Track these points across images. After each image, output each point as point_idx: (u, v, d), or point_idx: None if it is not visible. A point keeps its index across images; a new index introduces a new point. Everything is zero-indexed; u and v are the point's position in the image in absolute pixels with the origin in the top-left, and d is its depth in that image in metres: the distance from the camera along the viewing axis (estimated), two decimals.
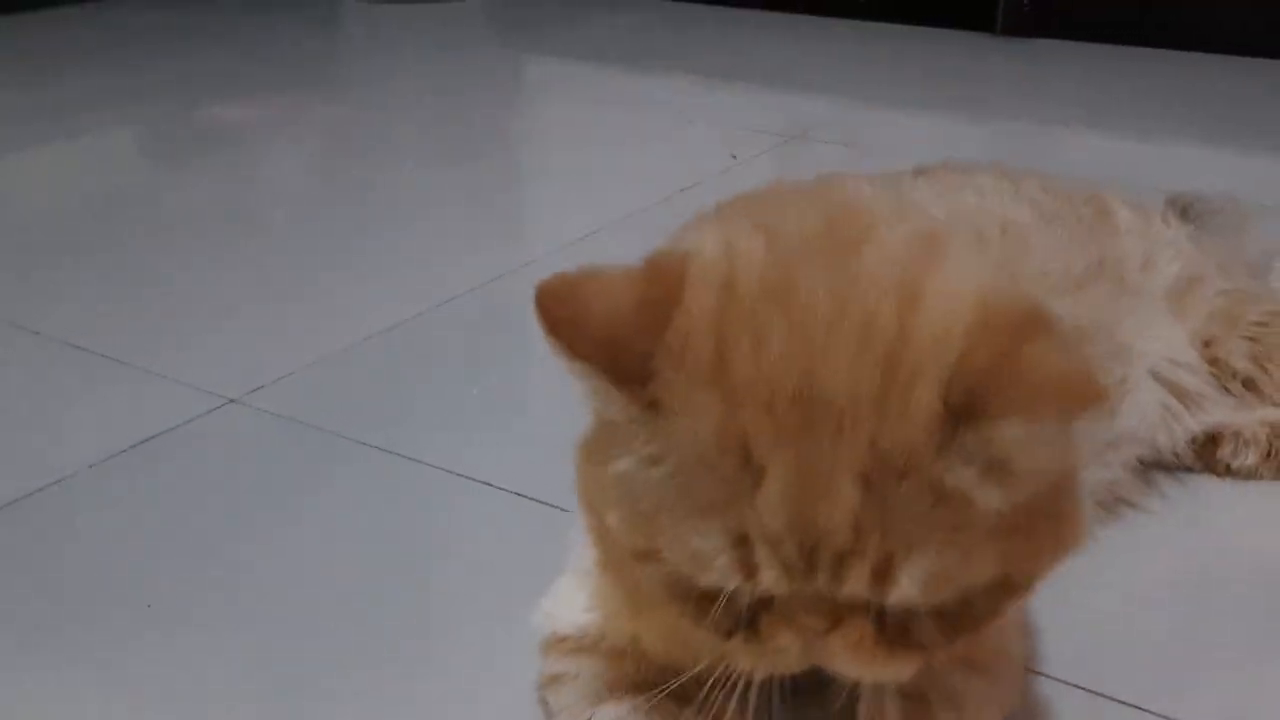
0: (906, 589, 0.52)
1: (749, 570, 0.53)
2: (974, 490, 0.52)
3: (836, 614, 0.55)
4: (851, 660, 0.56)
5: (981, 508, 0.52)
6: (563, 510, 0.96)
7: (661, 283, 0.57)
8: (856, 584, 0.52)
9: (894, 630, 0.56)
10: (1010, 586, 0.56)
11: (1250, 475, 1.06)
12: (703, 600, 0.56)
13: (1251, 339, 1.08)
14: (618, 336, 0.55)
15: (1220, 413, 1.05)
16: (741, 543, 0.53)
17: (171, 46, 2.77)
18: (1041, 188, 1.09)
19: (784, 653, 0.57)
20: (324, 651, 0.86)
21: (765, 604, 0.56)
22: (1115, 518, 1.00)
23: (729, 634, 0.58)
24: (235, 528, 1.00)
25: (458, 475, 1.06)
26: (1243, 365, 1.07)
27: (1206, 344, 1.07)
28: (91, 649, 0.86)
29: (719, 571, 0.54)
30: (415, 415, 1.18)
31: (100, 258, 1.59)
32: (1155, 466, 1.05)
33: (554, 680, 0.76)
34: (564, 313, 0.56)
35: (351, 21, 3.16)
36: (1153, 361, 1.02)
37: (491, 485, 1.05)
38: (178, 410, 1.17)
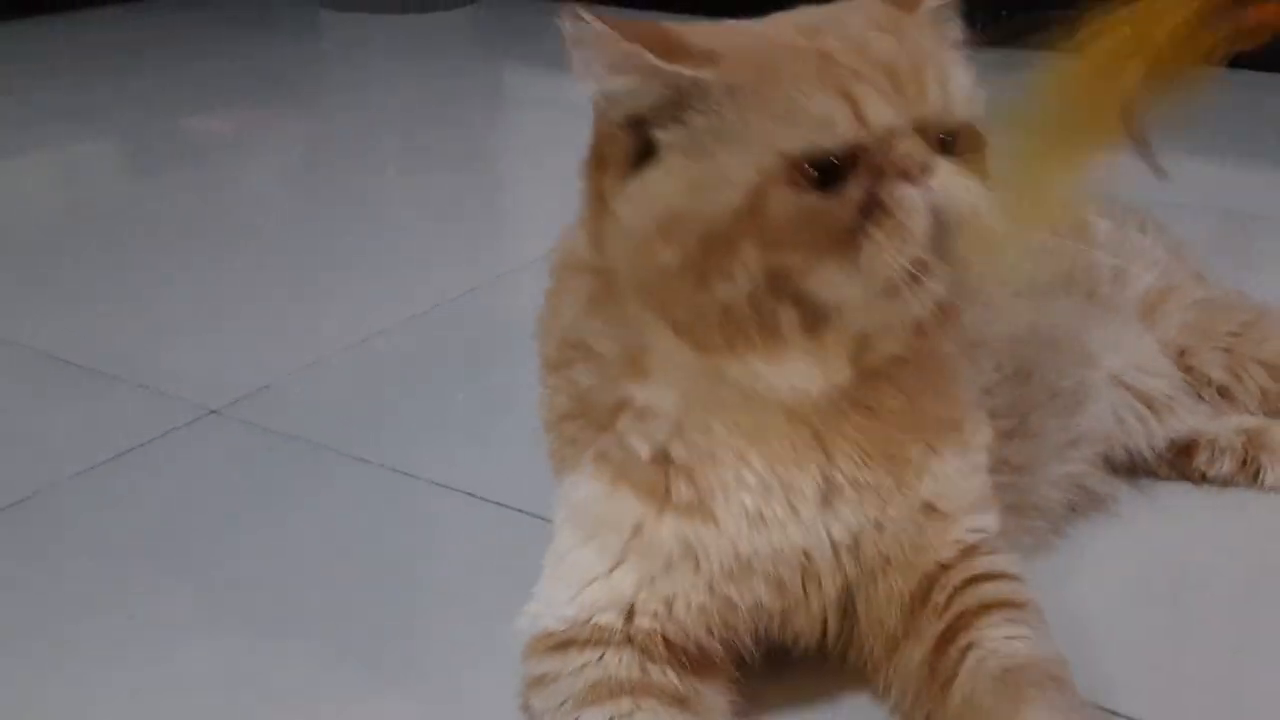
0: (959, 94, 0.68)
1: (857, 116, 0.64)
2: (944, 35, 0.71)
3: (925, 153, 0.65)
4: (960, 180, 0.66)
5: (950, 40, 0.71)
6: (546, 520, 0.97)
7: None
8: (934, 92, 0.66)
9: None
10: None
11: (1226, 483, 1.07)
12: (825, 192, 0.65)
13: (1226, 349, 1.09)
14: (656, 35, 0.66)
15: (1194, 420, 1.06)
16: (846, 96, 0.64)
17: (152, 57, 2.77)
18: None
19: (910, 204, 0.64)
20: (307, 662, 0.86)
21: (877, 171, 0.65)
22: (1084, 516, 1.01)
23: (862, 213, 0.65)
24: (218, 538, 1.00)
25: (440, 485, 1.07)
26: (1218, 374, 1.08)
27: (1181, 353, 1.08)
28: (74, 658, 0.86)
29: (836, 124, 0.64)
30: (398, 425, 1.18)
31: (81, 268, 1.59)
32: (1127, 473, 1.06)
33: (538, 682, 0.76)
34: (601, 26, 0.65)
35: (333, 33, 3.15)
36: (1118, 370, 1.03)
37: (474, 495, 1.05)
38: (160, 421, 1.17)
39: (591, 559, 0.76)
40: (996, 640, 0.73)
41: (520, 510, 1.02)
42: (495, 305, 1.46)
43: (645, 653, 0.75)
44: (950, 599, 0.76)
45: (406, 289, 1.51)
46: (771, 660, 0.80)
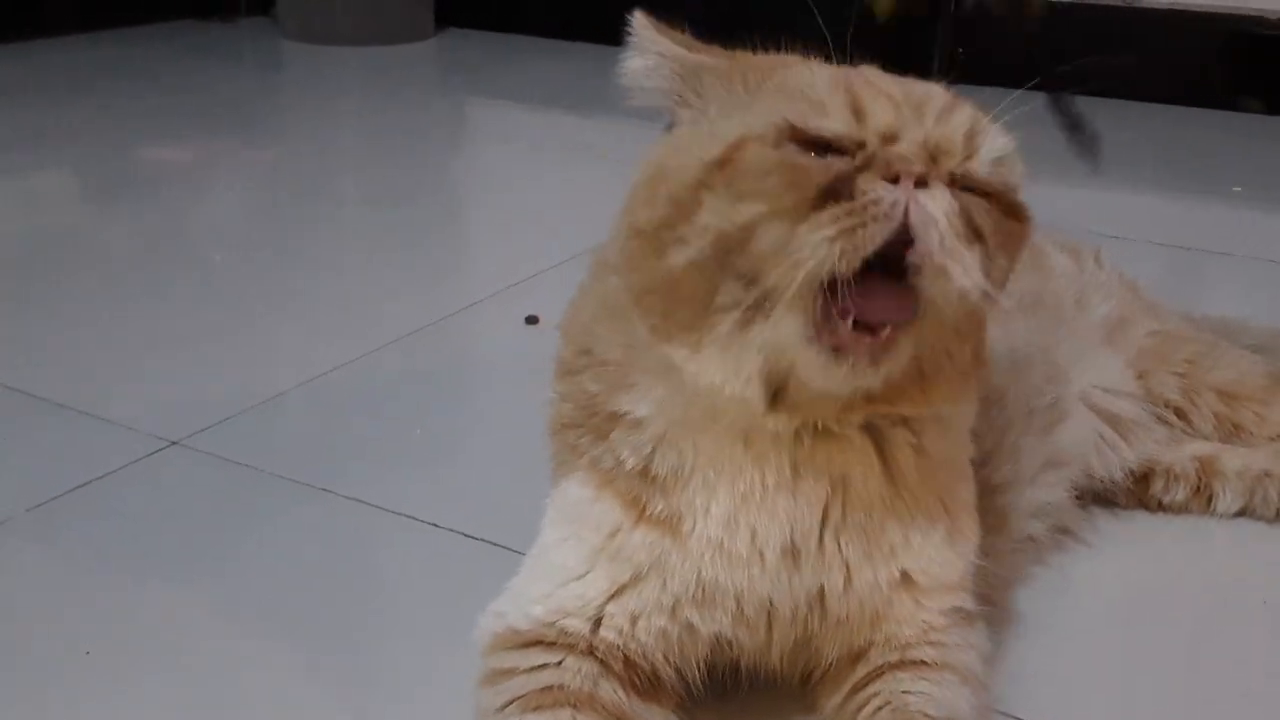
0: (990, 145, 0.68)
1: (859, 111, 0.66)
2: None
3: (927, 165, 0.64)
4: (935, 215, 0.63)
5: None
6: (507, 549, 0.97)
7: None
8: (958, 128, 0.67)
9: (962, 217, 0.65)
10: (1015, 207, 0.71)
11: (1181, 510, 1.09)
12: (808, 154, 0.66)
13: (1181, 374, 1.11)
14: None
15: (1154, 445, 1.08)
16: (851, 96, 0.67)
17: (112, 86, 2.75)
18: None
19: (876, 206, 0.62)
20: (268, 694, 0.85)
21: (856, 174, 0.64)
22: (1056, 547, 1.02)
23: (823, 197, 0.64)
24: (179, 570, 1.00)
25: (402, 515, 1.06)
26: (1174, 397, 1.10)
27: (1139, 376, 1.10)
28: (30, 694, 0.85)
29: (835, 114, 0.66)
30: (359, 457, 1.18)
31: (37, 299, 1.57)
32: (1092, 499, 1.07)
33: (492, 676, 0.76)
34: None
35: (295, 64, 3.15)
36: (1085, 389, 1.04)
37: (437, 525, 1.05)
38: (120, 453, 1.16)
39: (569, 558, 0.77)
40: (895, 694, 0.75)
41: (480, 539, 1.02)
42: (454, 340, 1.46)
43: (604, 665, 0.75)
44: (882, 656, 0.77)
45: (366, 323, 1.50)
46: (718, 687, 0.80)
